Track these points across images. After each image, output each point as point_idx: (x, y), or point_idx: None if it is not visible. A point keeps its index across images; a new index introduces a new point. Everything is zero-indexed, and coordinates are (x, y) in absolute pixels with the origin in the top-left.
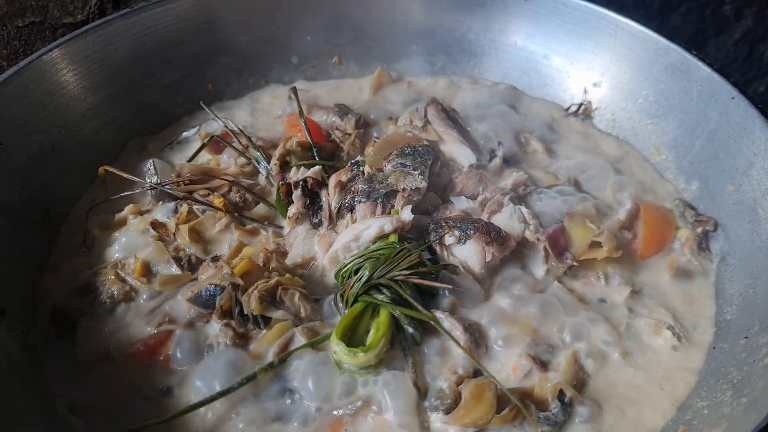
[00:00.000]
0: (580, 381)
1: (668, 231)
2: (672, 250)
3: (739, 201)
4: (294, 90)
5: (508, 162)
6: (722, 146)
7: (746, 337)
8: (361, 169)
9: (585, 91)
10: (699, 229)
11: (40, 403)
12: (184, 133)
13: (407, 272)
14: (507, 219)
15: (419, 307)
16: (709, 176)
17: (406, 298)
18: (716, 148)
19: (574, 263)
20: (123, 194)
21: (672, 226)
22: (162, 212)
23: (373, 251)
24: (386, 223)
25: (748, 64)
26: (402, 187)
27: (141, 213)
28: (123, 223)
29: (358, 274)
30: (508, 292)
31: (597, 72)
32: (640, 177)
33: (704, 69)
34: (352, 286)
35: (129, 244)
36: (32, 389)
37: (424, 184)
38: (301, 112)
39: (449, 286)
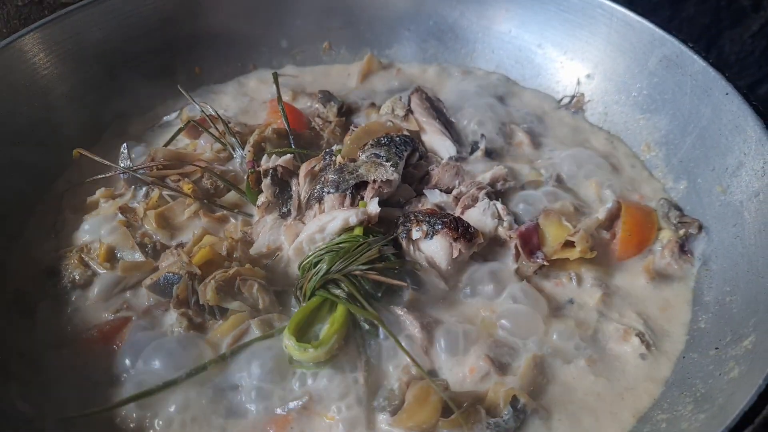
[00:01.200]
0: (537, 387)
1: (649, 232)
2: (651, 252)
3: (726, 203)
4: (275, 75)
5: (491, 155)
6: (713, 144)
7: (717, 348)
8: (333, 158)
9: (578, 83)
10: (682, 231)
11: None
12: (165, 117)
13: (365, 267)
14: (480, 214)
15: (366, 306)
16: (697, 175)
17: (355, 294)
18: (707, 146)
19: (545, 263)
20: (95, 177)
21: (654, 227)
22: (133, 197)
23: (336, 244)
24: (351, 216)
25: (765, 58)
26: (372, 178)
27: (113, 197)
28: (94, 206)
29: (317, 267)
30: (474, 290)
31: (591, 63)
32: (628, 174)
33: (699, 62)
34: (310, 279)
35: (96, 228)
36: None
37: (395, 177)
38: (279, 98)
39: (404, 284)
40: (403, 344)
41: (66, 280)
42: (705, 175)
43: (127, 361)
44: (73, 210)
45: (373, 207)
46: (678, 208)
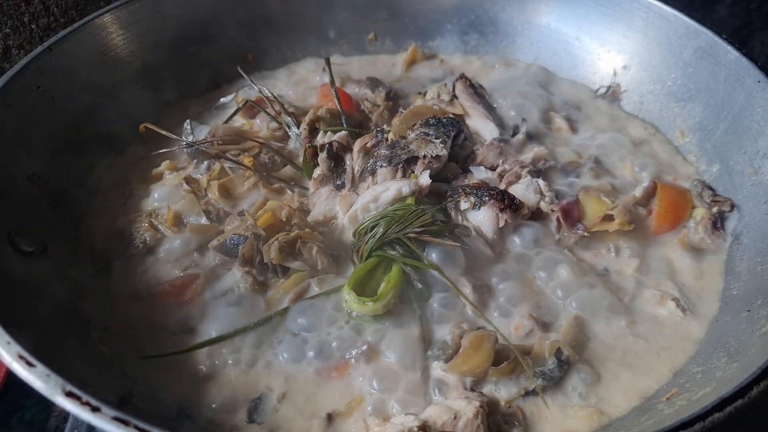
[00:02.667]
0: (579, 343)
1: (684, 209)
2: (686, 227)
3: (758, 183)
4: (327, 61)
5: (532, 138)
6: (746, 129)
7: (749, 310)
8: (385, 136)
9: (614, 74)
10: (715, 209)
11: (76, 329)
12: (222, 99)
13: (419, 230)
14: (523, 190)
15: (425, 258)
16: (729, 159)
17: (415, 250)
18: (739, 131)
19: (585, 234)
20: (161, 151)
21: (688, 205)
22: (196, 169)
23: (390, 211)
24: (404, 186)
25: None
26: (423, 153)
27: (176, 169)
28: (159, 177)
29: (373, 231)
30: (518, 257)
31: (627, 55)
32: (663, 158)
33: (733, 53)
34: (367, 242)
35: (163, 197)
36: (71, 318)
37: (444, 152)
38: (332, 81)
39: (457, 245)
40: (453, 303)
41: (138, 241)
42: (737, 158)
43: (198, 313)
44: (139, 180)
45: (425, 179)
46: (711, 188)
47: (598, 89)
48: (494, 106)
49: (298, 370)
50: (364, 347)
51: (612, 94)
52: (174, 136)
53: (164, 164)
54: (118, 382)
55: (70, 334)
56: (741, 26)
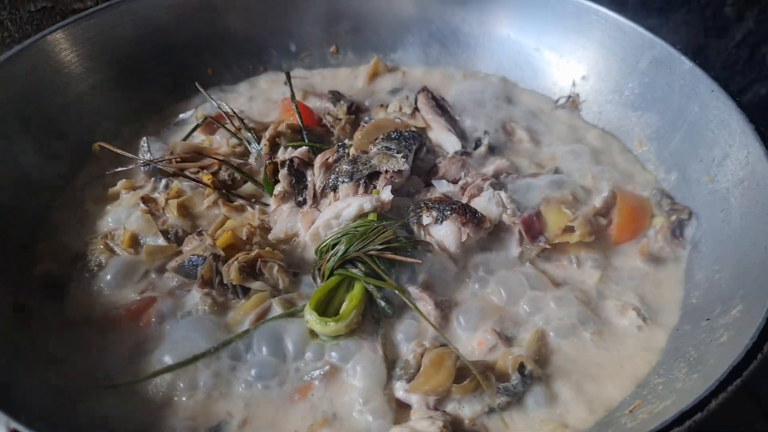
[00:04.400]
0: (542, 357)
1: (643, 219)
2: (646, 237)
3: (714, 191)
4: (288, 75)
5: (494, 150)
6: (701, 138)
7: (708, 319)
8: (347, 151)
9: (573, 84)
10: (674, 217)
11: (24, 359)
12: (181, 115)
13: (381, 247)
14: (485, 203)
15: (387, 278)
16: (687, 167)
17: (376, 270)
18: (695, 139)
19: (547, 246)
20: (117, 170)
21: (647, 214)
22: (153, 188)
23: (352, 228)
24: (366, 202)
25: (749, 67)
26: (384, 168)
27: (134, 188)
28: (116, 197)
29: (335, 249)
30: (481, 271)
31: (585, 65)
32: (622, 167)
33: (687, 63)
34: (329, 260)
35: (119, 217)
36: (19, 347)
37: (406, 167)
38: (293, 95)
39: (419, 261)
40: (416, 321)
41: (92, 264)
42: (694, 166)
43: (154, 338)
44: (95, 201)
45: (386, 194)
46: (669, 197)
47: (558, 99)
48: (457, 118)
49: (260, 394)
50: (327, 368)
51: (572, 104)
52: (130, 155)
53: (121, 183)
54: (71, 415)
55: (17, 365)
56: (696, 34)
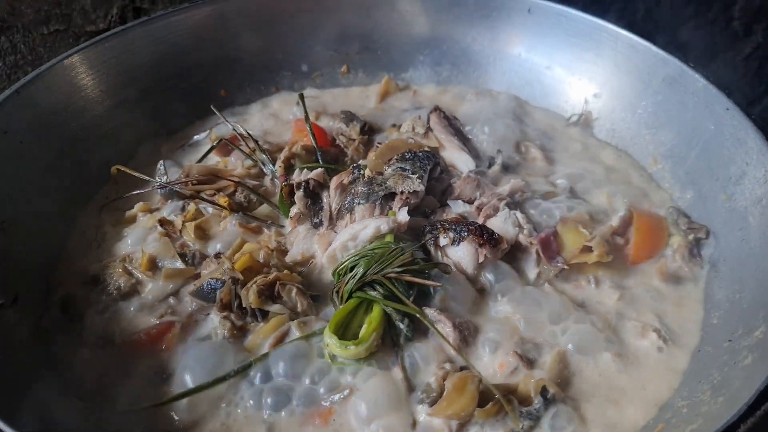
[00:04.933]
0: (564, 380)
1: (661, 238)
2: (663, 256)
3: (731, 209)
4: (301, 96)
5: (507, 169)
6: (716, 156)
7: (730, 341)
8: (362, 172)
9: (585, 102)
10: (691, 236)
11: (47, 383)
12: (195, 137)
13: (399, 270)
14: (501, 223)
15: (407, 302)
16: (703, 185)
17: (396, 293)
18: (711, 158)
19: (565, 267)
20: (134, 192)
21: (665, 233)
22: (170, 210)
23: (369, 250)
24: (383, 224)
25: (757, 80)
26: (400, 189)
27: (150, 211)
28: (133, 220)
29: (353, 271)
30: (500, 292)
31: (597, 83)
32: (637, 185)
33: (701, 81)
34: (347, 282)
35: (137, 240)
36: (42, 371)
37: (421, 188)
38: (306, 117)
39: (439, 284)
40: (436, 343)
41: (111, 288)
42: (710, 185)
43: (175, 362)
44: (112, 224)
45: (403, 215)
46: (686, 216)
47: (570, 117)
48: (469, 137)
49: (281, 419)
50: (347, 392)
51: (584, 122)
52: (147, 177)
53: (138, 206)
54: None
55: (40, 389)
56: (704, 48)
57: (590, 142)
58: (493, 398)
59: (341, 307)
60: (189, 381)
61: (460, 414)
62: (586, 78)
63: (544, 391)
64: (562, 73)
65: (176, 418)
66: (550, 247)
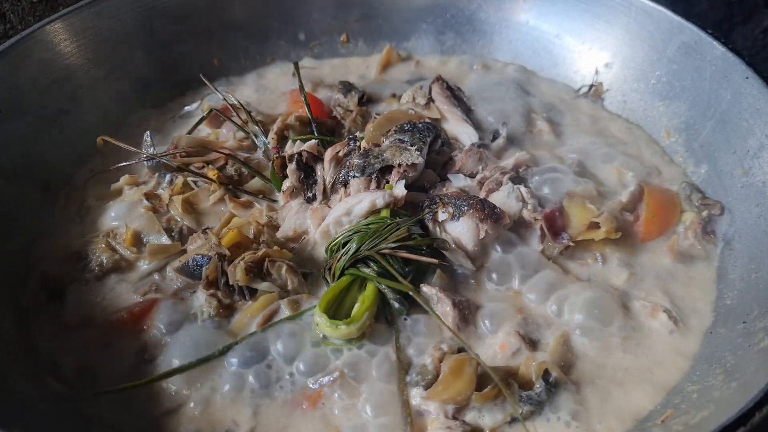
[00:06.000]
0: (567, 362)
1: (672, 214)
2: (675, 233)
3: (748, 184)
4: (296, 65)
5: (513, 142)
6: (734, 128)
7: (744, 322)
8: (358, 144)
9: (596, 72)
10: (704, 213)
11: (23, 364)
12: (186, 107)
13: (394, 246)
14: (504, 198)
15: (401, 279)
16: (718, 159)
17: (390, 270)
18: (727, 130)
19: (571, 243)
20: (120, 165)
21: (677, 210)
22: (157, 184)
23: (363, 225)
24: (378, 198)
25: None
26: (398, 162)
27: (137, 184)
28: (118, 193)
29: (346, 247)
30: (501, 270)
31: (609, 52)
32: (649, 160)
33: (719, 48)
34: (339, 259)
35: (122, 214)
36: (18, 350)
37: (420, 160)
38: (301, 87)
39: (435, 261)
40: (432, 322)
41: (93, 264)
42: (726, 159)
43: (158, 341)
44: (96, 197)
45: (400, 189)
46: (700, 191)
47: (579, 89)
48: (472, 109)
49: (267, 402)
50: (337, 374)
51: (594, 94)
52: (133, 149)
53: (123, 179)
54: (72, 423)
55: (15, 370)
56: (722, 19)
57: (600, 114)
58: (492, 381)
59: (333, 284)
60: (173, 361)
61: (457, 398)
62: (596, 47)
63: (546, 375)
64: (572, 41)
65: (158, 399)
66: (556, 223)
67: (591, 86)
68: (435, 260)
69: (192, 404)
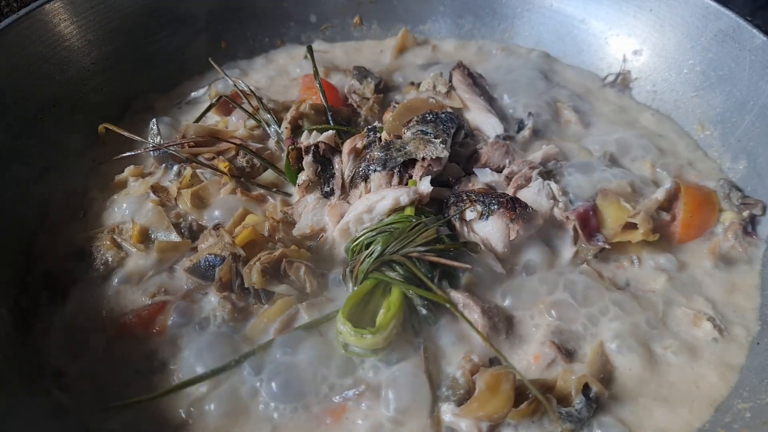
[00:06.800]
0: (606, 374)
1: (710, 214)
2: (714, 234)
3: None
4: (309, 49)
5: (539, 134)
6: None
7: None
8: (378, 135)
9: (624, 60)
10: (745, 213)
11: (24, 372)
12: (193, 93)
13: (423, 249)
14: (534, 195)
15: (434, 288)
16: (758, 155)
17: (421, 276)
18: None
19: (607, 246)
20: (124, 155)
21: (715, 209)
22: (164, 175)
23: (387, 225)
24: (402, 195)
25: None
26: (421, 156)
27: (142, 176)
28: (123, 185)
29: (370, 249)
30: (532, 274)
31: (638, 39)
32: (682, 154)
33: (759, 37)
34: (363, 261)
35: (127, 208)
36: (18, 357)
37: (445, 154)
38: (316, 72)
39: (469, 266)
40: (462, 330)
41: (98, 263)
42: (767, 155)
43: (169, 348)
44: (100, 189)
45: (425, 186)
46: (739, 189)
47: (606, 77)
48: (494, 97)
49: (287, 416)
50: (363, 387)
51: (622, 83)
52: (138, 138)
53: (128, 170)
54: None
55: (16, 379)
56: (764, 6)
57: (628, 104)
58: (527, 395)
59: (356, 289)
60: (183, 372)
61: (494, 416)
62: (624, 33)
63: (586, 390)
64: (598, 26)
65: (169, 412)
66: (589, 222)
67: (618, 75)
68: (469, 266)
69: (206, 418)
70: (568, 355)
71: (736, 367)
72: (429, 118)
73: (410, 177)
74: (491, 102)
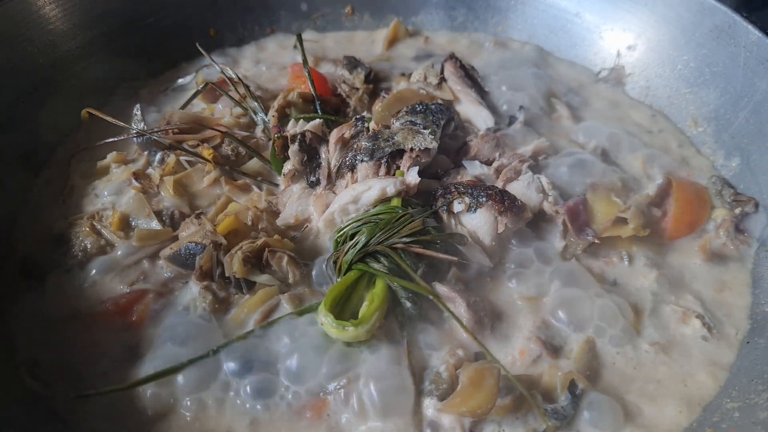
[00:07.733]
0: (593, 371)
1: (702, 210)
2: (705, 231)
3: None
4: (299, 37)
5: (530, 127)
6: None
7: None
8: (366, 125)
9: (618, 55)
10: (737, 210)
11: None
12: (179, 80)
13: (408, 240)
14: (524, 188)
15: (419, 280)
16: (752, 152)
17: (405, 268)
18: (762, 121)
19: (596, 240)
20: (107, 140)
21: (707, 205)
22: (147, 162)
23: (373, 215)
24: (389, 185)
25: None
26: (410, 146)
27: (125, 162)
28: (105, 171)
29: (354, 240)
30: (520, 267)
31: (632, 33)
32: (674, 150)
33: (754, 33)
34: (347, 252)
35: (109, 195)
36: None
37: (434, 145)
38: (305, 61)
39: (455, 259)
40: (446, 324)
41: (77, 249)
42: (760, 152)
43: (146, 337)
44: (81, 175)
45: (413, 176)
46: (731, 186)
47: (599, 72)
48: (486, 90)
49: (267, 410)
50: (344, 381)
51: (615, 78)
52: (122, 124)
53: (110, 156)
54: (49, 427)
55: None
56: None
57: (621, 99)
58: (513, 391)
59: (339, 280)
60: (160, 362)
61: (476, 411)
62: (619, 27)
63: (572, 386)
64: (592, 20)
65: (146, 403)
66: (579, 217)
67: (612, 69)
68: (455, 258)
69: (183, 410)
70: (554, 351)
71: (726, 366)
72: (419, 109)
73: (398, 167)
74: (483, 95)
